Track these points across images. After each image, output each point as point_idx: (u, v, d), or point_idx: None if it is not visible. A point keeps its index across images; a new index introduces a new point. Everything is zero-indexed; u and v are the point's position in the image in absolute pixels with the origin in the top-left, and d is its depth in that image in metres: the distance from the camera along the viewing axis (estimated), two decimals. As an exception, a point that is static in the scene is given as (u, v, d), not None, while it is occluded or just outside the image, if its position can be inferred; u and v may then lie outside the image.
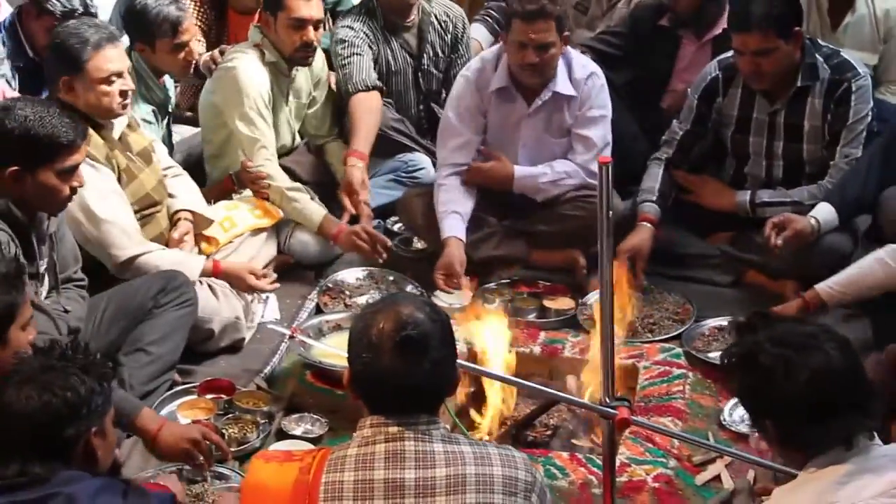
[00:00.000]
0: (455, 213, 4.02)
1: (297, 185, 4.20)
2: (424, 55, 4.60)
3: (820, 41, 4.10)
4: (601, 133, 4.08)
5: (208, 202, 4.06)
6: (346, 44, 4.44)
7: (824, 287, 3.48)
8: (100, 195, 3.49)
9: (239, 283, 3.70)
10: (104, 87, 3.48)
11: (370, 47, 4.47)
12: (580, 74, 4.06)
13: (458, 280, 3.89)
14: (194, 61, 4.28)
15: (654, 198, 4.06)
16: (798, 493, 2.07)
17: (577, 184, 4.07)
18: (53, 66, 3.54)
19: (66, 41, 3.48)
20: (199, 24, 4.71)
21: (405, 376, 2.08)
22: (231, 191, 4.24)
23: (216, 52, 4.52)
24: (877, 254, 3.47)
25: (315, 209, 4.15)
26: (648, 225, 4.01)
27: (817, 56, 3.89)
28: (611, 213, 2.41)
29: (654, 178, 4.13)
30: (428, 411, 2.12)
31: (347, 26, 4.48)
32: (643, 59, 4.53)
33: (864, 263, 3.49)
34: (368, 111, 4.35)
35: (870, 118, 3.91)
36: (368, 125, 4.32)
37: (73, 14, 4.11)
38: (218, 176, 4.33)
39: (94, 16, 4.18)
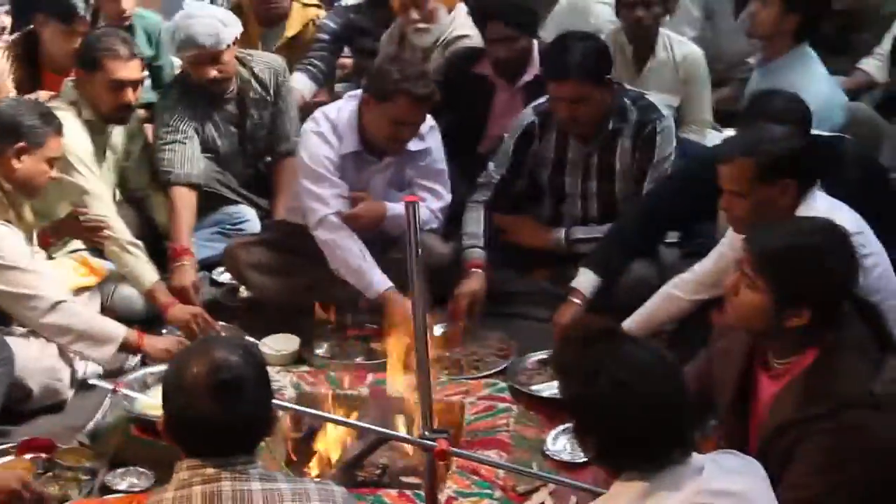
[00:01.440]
0: (375, 265, 3.94)
1: (136, 241, 4.12)
2: (248, 121, 4.62)
3: (626, 85, 4.32)
4: (446, 183, 4.20)
5: None
6: (171, 128, 4.44)
7: (628, 324, 3.56)
8: (23, 250, 3.57)
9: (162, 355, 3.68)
10: (46, 167, 3.68)
11: (195, 130, 4.47)
12: (423, 128, 4.07)
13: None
14: None
15: (480, 244, 4.16)
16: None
17: (436, 228, 4.18)
18: (3, 133, 3.60)
19: (30, 114, 3.64)
20: (13, 78, 4.63)
21: (221, 420, 2.09)
22: (48, 245, 4.13)
23: None
24: (665, 289, 3.63)
25: (149, 273, 4.06)
26: (480, 271, 4.10)
27: (625, 99, 4.09)
28: (419, 251, 2.50)
29: (475, 222, 4.22)
30: (244, 451, 2.14)
31: (169, 108, 4.48)
32: (459, 106, 4.67)
33: (654, 301, 3.63)
34: (189, 208, 4.37)
35: (673, 157, 4.12)
36: (190, 223, 4.36)
37: None
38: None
39: None
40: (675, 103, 4.78)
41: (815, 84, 4.26)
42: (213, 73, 4.42)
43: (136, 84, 4.21)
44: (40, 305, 3.53)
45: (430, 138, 4.15)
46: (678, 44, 4.93)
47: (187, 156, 4.43)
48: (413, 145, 4.09)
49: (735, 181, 3.08)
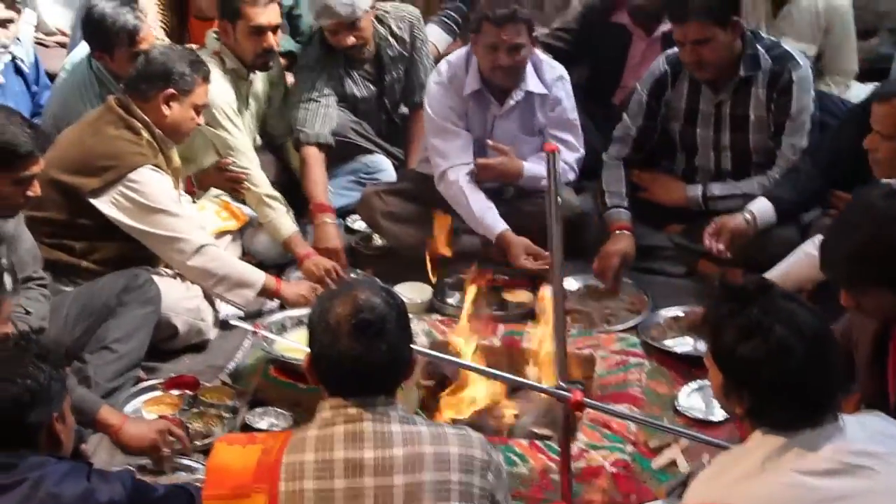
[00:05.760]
0: (491, 208, 4.08)
1: (276, 193, 4.24)
2: (386, 77, 4.66)
3: (762, 32, 4.20)
4: (579, 136, 4.22)
5: None
6: (307, 87, 4.50)
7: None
8: (170, 194, 3.70)
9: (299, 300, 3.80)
10: (193, 114, 3.73)
11: (333, 88, 4.53)
12: (550, 76, 4.16)
13: (542, 255, 3.92)
14: None
15: (625, 204, 4.13)
16: (743, 459, 2.12)
17: (572, 180, 4.23)
18: (154, 79, 3.69)
19: (181, 61, 3.70)
20: (162, 27, 4.76)
21: (362, 359, 2.14)
22: (191, 193, 4.28)
23: None
24: (805, 247, 3.50)
25: (287, 224, 4.18)
26: (628, 233, 4.07)
27: (758, 47, 3.98)
28: (559, 200, 2.49)
29: (617, 180, 4.19)
30: (385, 393, 2.19)
31: (308, 66, 4.54)
32: (595, 56, 4.62)
33: (795, 257, 3.52)
34: (319, 165, 4.42)
35: (812, 108, 4.00)
36: (323, 179, 4.41)
37: None
38: None
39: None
40: (811, 52, 4.58)
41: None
42: (351, 40, 4.44)
43: (275, 28, 4.30)
44: (186, 248, 3.66)
45: (556, 87, 4.17)
46: None
47: (320, 115, 4.47)
48: (533, 86, 4.13)
49: (889, 122, 2.99)
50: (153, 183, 3.64)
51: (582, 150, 4.22)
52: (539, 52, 4.21)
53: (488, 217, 4.06)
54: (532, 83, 4.12)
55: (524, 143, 4.20)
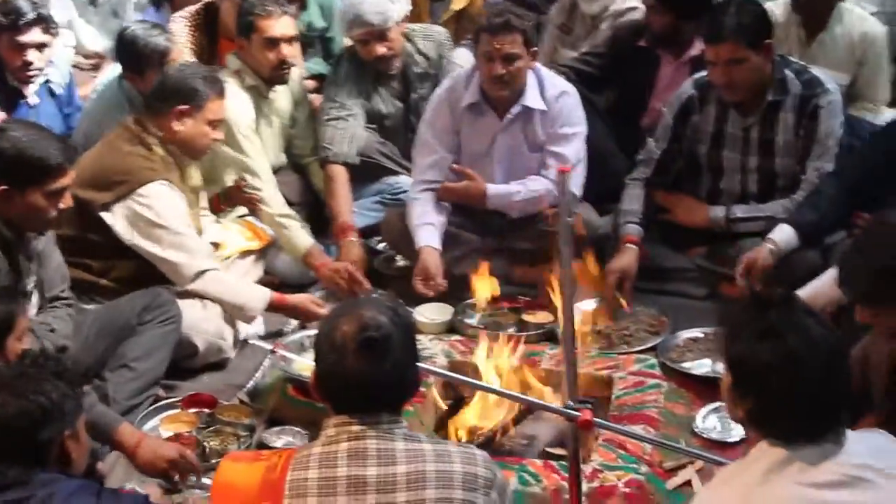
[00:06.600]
0: (428, 224, 4.15)
1: (290, 212, 4.29)
2: (412, 94, 4.71)
3: (793, 57, 4.20)
4: (574, 150, 4.19)
5: None
6: (336, 104, 4.56)
7: None
8: (178, 212, 3.72)
9: (304, 314, 3.83)
10: (209, 129, 3.77)
11: (361, 105, 4.59)
12: (552, 92, 4.17)
13: (437, 281, 4.02)
14: None
15: (637, 219, 4.14)
16: (746, 469, 2.11)
17: (552, 201, 4.14)
18: (168, 95, 3.75)
19: (193, 77, 3.76)
20: (192, 47, 4.83)
21: (367, 377, 2.16)
22: (219, 210, 4.33)
23: None
24: (833, 270, 3.44)
25: (303, 238, 4.22)
26: (633, 246, 4.08)
27: (787, 72, 3.98)
28: (571, 219, 2.51)
29: (634, 199, 4.20)
30: (390, 411, 2.20)
31: (337, 82, 4.61)
32: (623, 79, 4.64)
33: (822, 279, 3.49)
34: (344, 185, 4.49)
35: (840, 133, 3.98)
36: (348, 199, 4.47)
37: (29, 23, 4.34)
38: None
39: (48, 22, 4.44)
40: (844, 81, 4.53)
41: None
42: (381, 50, 4.50)
43: (290, 40, 4.37)
44: (186, 273, 3.70)
45: (558, 103, 4.18)
46: (859, 20, 4.67)
47: (348, 134, 4.54)
48: (532, 102, 4.15)
49: None
50: (162, 198, 3.67)
51: (574, 162, 4.14)
52: (543, 69, 4.24)
53: (421, 230, 4.13)
54: (531, 98, 4.14)
55: (526, 160, 4.23)
